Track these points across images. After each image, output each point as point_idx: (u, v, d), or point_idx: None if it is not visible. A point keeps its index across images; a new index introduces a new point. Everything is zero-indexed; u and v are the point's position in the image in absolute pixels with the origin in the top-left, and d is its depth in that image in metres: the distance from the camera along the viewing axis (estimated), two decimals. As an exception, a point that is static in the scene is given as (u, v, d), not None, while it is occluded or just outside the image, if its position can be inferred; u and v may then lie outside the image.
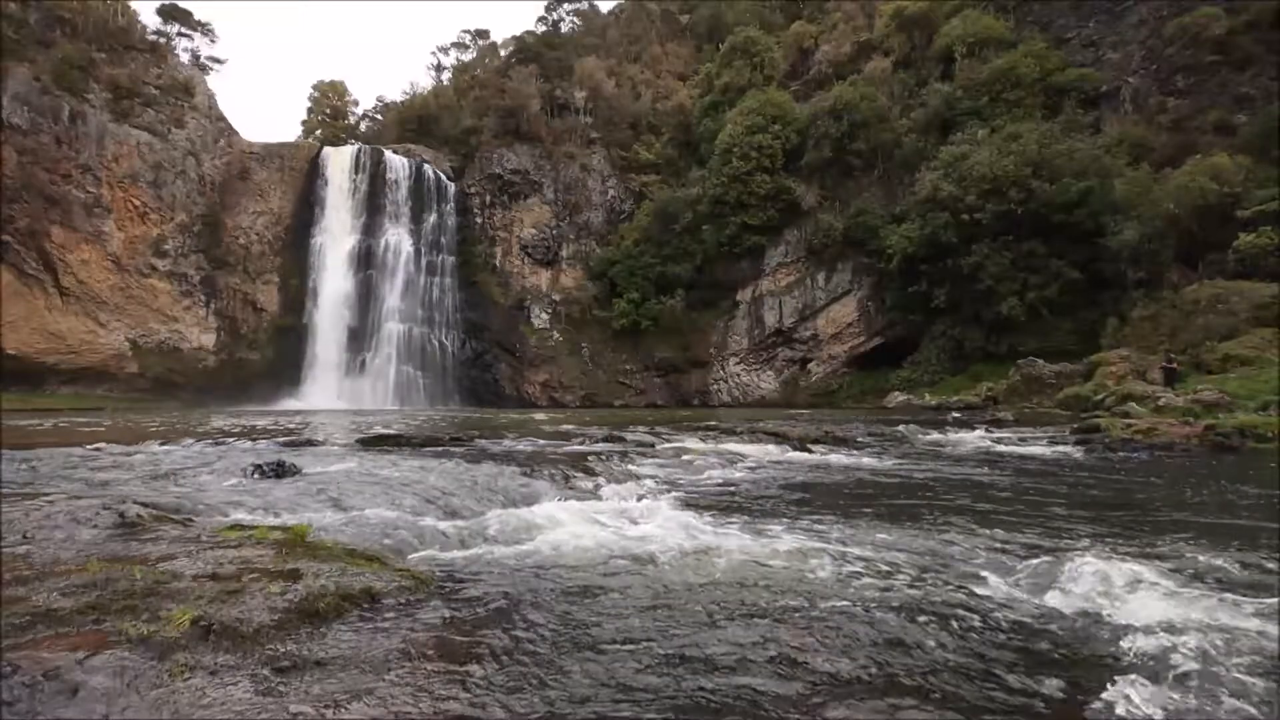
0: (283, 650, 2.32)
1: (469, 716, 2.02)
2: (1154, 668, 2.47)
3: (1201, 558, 4.18)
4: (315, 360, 47.50)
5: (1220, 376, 19.52)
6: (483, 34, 73.78)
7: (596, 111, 55.86)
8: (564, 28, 70.02)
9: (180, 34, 54.37)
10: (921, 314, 38.79)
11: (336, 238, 49.76)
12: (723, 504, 6.32)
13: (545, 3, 78.21)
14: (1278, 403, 13.89)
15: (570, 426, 17.39)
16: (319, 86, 75.02)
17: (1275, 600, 3.13)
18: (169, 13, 53.26)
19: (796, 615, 3.02)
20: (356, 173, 50.67)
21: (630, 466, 8.83)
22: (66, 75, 41.62)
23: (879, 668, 2.47)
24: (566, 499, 6.27)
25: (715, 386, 47.35)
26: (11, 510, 4.16)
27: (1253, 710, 2.19)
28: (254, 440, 12.27)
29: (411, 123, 60.26)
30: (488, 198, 52.63)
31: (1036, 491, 7.26)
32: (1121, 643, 2.70)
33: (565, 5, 70.48)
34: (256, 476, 6.81)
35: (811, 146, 44.76)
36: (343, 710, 1.97)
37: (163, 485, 6.37)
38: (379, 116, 72.69)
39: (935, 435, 14.63)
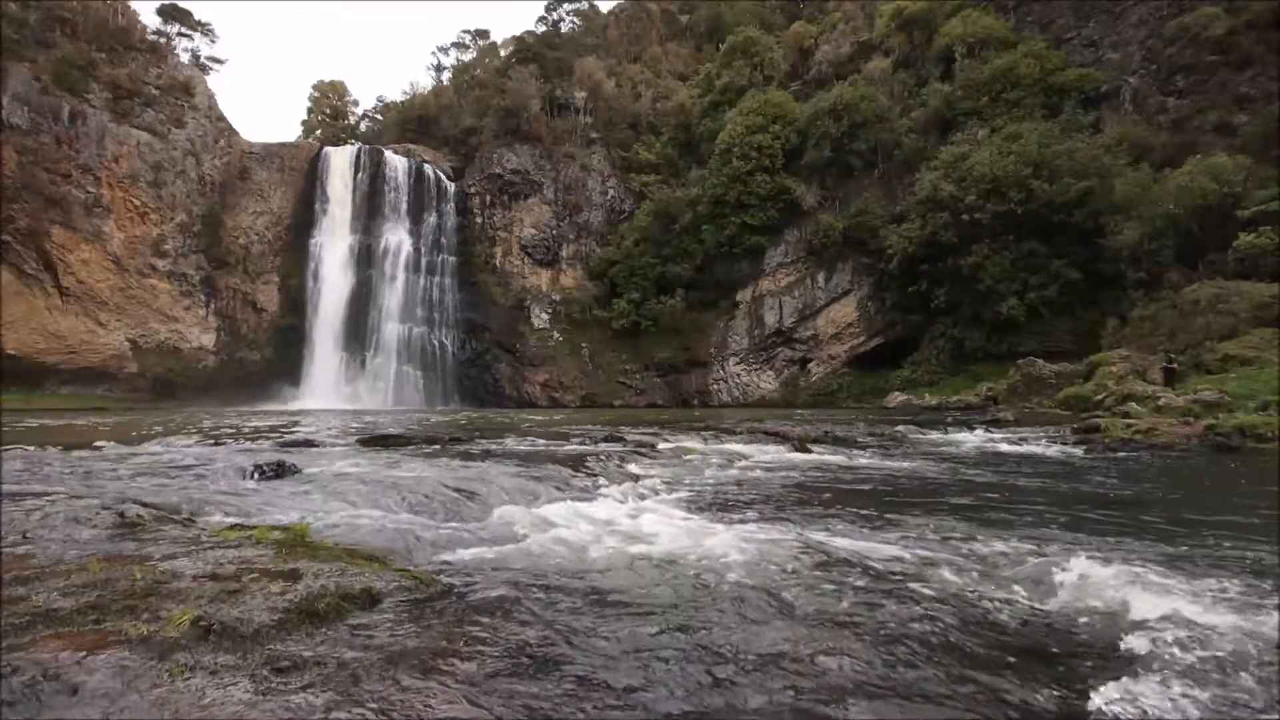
0: (283, 650, 2.32)
1: (469, 717, 2.02)
2: (1155, 665, 2.47)
3: (1201, 556, 4.18)
4: (315, 360, 47.53)
5: (1220, 376, 19.50)
6: (483, 34, 73.93)
7: (596, 111, 55.87)
8: (564, 28, 70.08)
9: (180, 34, 54.41)
10: (921, 314, 38.82)
11: (336, 238, 49.79)
12: (722, 504, 6.32)
13: (545, 3, 78.38)
14: (1278, 403, 13.87)
15: (570, 427, 17.40)
16: (319, 86, 75.10)
17: (1274, 597, 3.13)
18: (169, 13, 53.29)
19: (793, 615, 3.02)
20: (356, 173, 50.68)
21: (630, 467, 8.83)
22: (66, 75, 41.63)
23: (876, 668, 2.47)
24: (566, 499, 6.26)
25: (715, 386, 47.35)
26: (11, 510, 4.16)
27: (1253, 705, 2.19)
28: (254, 440, 12.28)
29: (411, 123, 60.36)
30: (488, 198, 52.62)
31: (1036, 491, 7.26)
32: (1122, 641, 2.70)
33: (565, 5, 70.57)
34: (256, 476, 6.81)
35: (811, 146, 44.78)
36: (343, 710, 1.97)
37: (163, 485, 6.37)
38: (379, 116, 72.79)
39: (935, 435, 14.62)
